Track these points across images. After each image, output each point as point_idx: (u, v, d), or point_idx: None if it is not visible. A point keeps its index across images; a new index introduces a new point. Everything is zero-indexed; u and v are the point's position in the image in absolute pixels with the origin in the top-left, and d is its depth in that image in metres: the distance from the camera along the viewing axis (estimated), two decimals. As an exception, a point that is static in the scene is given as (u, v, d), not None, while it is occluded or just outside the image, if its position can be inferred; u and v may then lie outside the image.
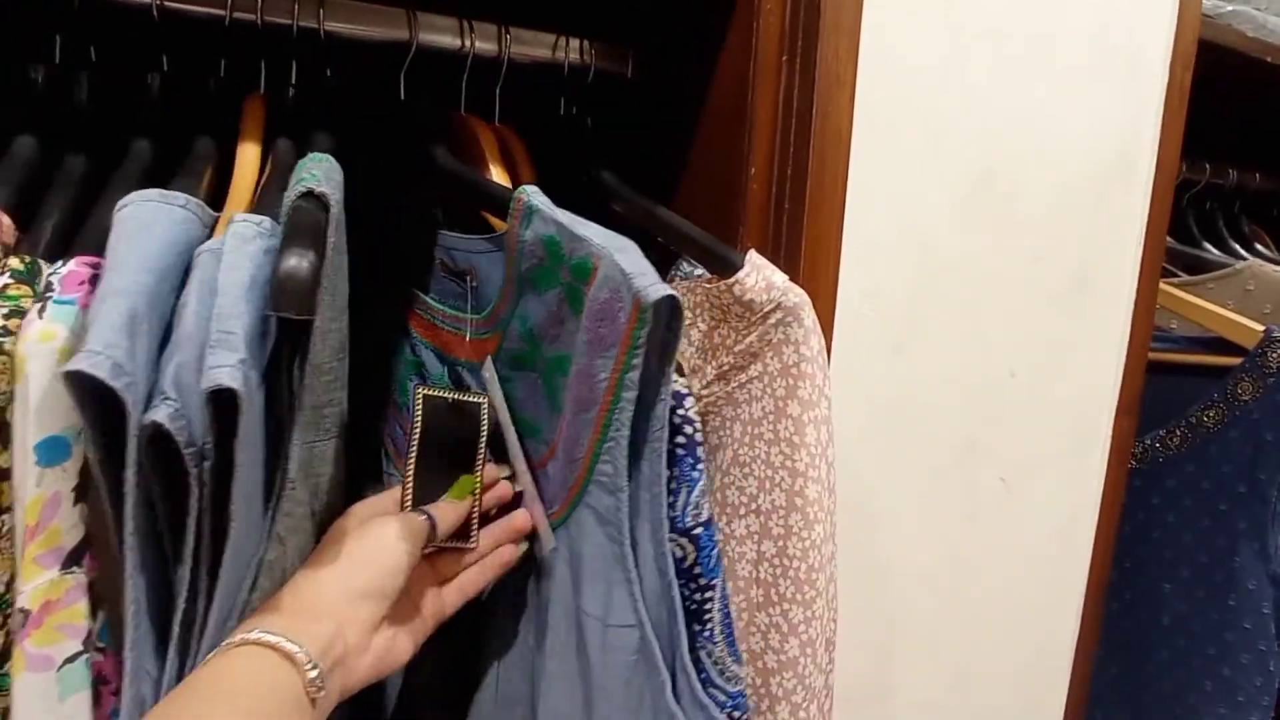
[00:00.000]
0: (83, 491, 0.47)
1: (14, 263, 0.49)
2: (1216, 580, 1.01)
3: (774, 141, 0.66)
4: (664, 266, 0.69)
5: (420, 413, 0.58)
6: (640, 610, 0.53)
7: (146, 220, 0.49)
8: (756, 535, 0.61)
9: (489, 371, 0.60)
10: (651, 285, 0.49)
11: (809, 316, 0.58)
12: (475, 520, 0.58)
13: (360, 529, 0.53)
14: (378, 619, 0.51)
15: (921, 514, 0.80)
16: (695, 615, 0.57)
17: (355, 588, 0.50)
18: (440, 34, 0.67)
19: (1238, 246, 1.19)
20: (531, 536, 0.60)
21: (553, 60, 0.71)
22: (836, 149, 0.65)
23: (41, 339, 0.45)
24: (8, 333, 0.46)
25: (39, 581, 0.46)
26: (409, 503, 0.57)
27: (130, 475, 0.44)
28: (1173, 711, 1.05)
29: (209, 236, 0.52)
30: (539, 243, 0.55)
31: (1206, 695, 1.02)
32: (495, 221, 0.62)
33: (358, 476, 0.62)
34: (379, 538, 0.52)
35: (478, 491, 0.58)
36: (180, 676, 0.46)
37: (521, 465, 0.60)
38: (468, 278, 0.62)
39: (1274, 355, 0.95)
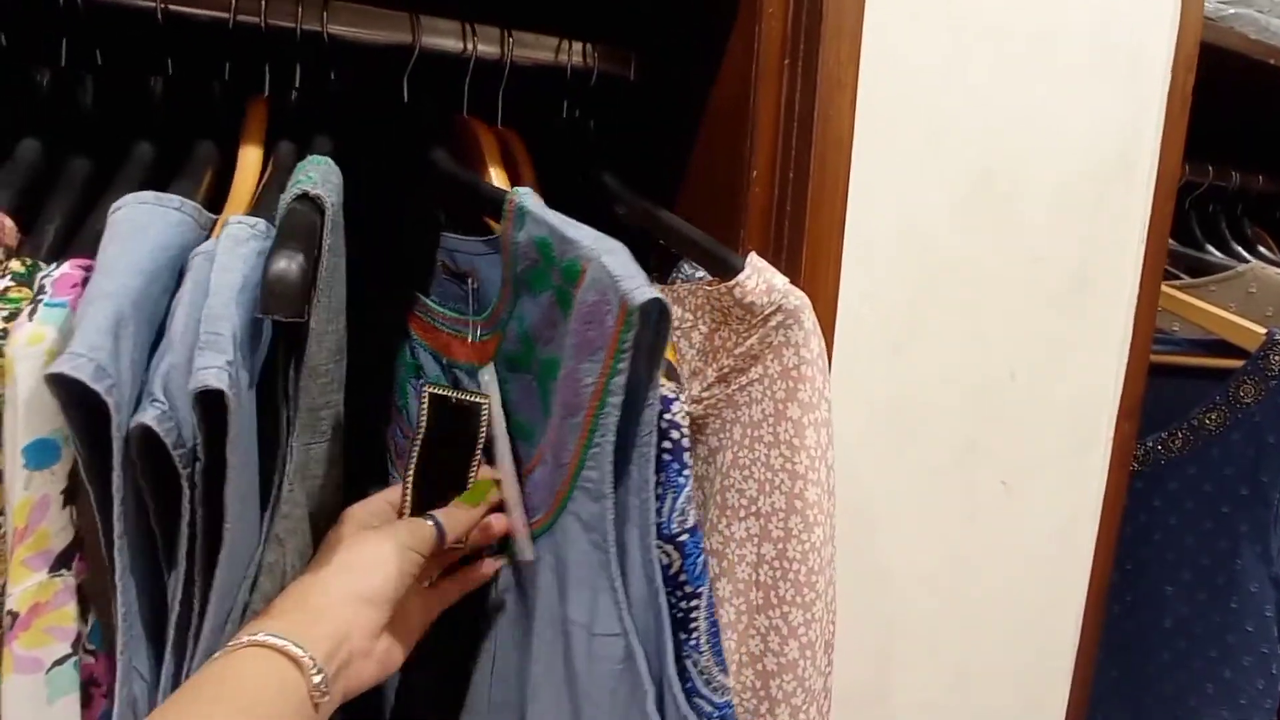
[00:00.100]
0: (72, 494, 0.47)
1: (15, 265, 0.49)
2: (1218, 583, 1.01)
3: (776, 144, 0.67)
4: (666, 269, 0.70)
5: (426, 412, 0.58)
6: (625, 619, 0.52)
7: (140, 223, 0.49)
8: (756, 538, 0.61)
9: (489, 374, 0.60)
10: (638, 288, 0.48)
11: (809, 319, 0.58)
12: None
13: (366, 535, 0.53)
14: (381, 625, 0.50)
15: (921, 515, 0.80)
16: (681, 624, 0.56)
17: (360, 593, 0.50)
18: (443, 37, 0.67)
19: (1240, 249, 1.19)
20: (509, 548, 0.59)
21: (555, 63, 0.72)
22: (838, 152, 0.65)
23: (30, 341, 0.45)
24: (5, 335, 0.46)
25: (27, 584, 0.46)
26: (408, 506, 0.56)
27: (116, 478, 0.44)
28: (1174, 714, 1.05)
29: (206, 239, 0.52)
30: (531, 244, 0.55)
31: (1208, 698, 1.02)
32: (493, 224, 0.62)
33: (361, 478, 0.62)
34: (386, 545, 0.52)
35: (491, 497, 0.58)
36: (177, 679, 0.46)
37: (510, 472, 0.60)
38: (469, 279, 0.62)
39: (1276, 358, 0.95)
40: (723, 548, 0.63)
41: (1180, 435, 1.03)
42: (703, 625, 0.57)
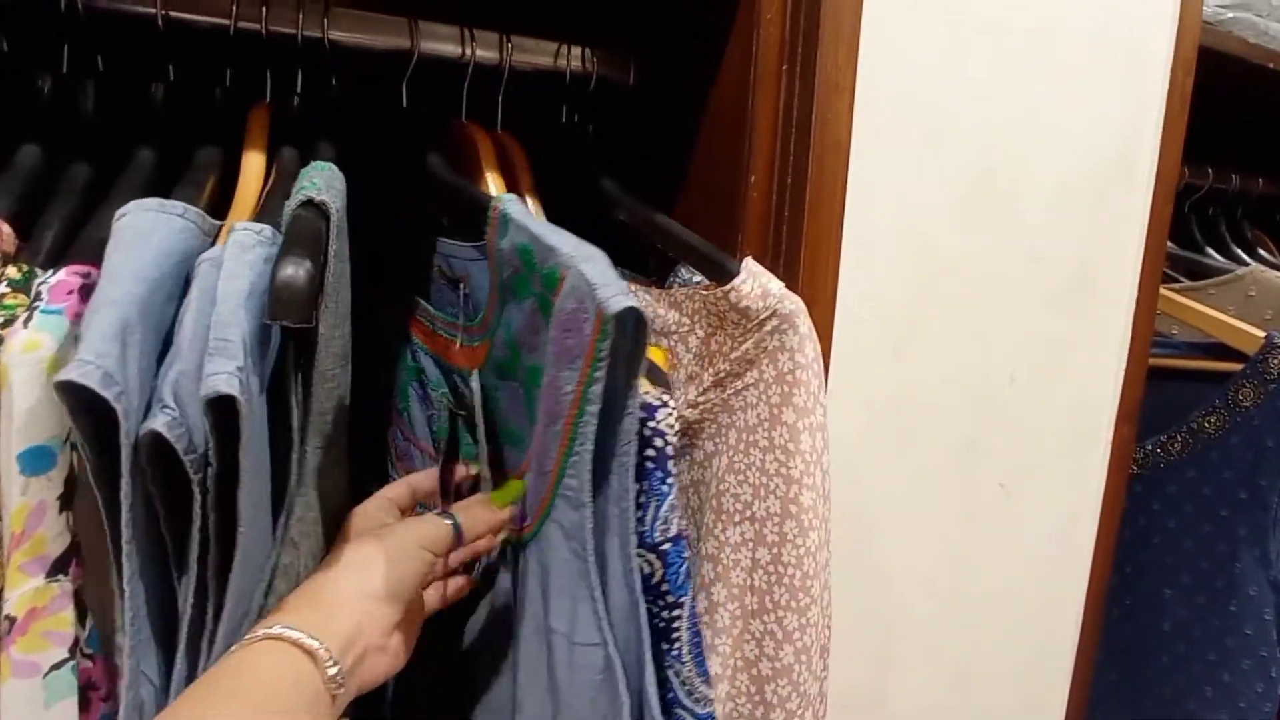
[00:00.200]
0: (68, 500, 0.47)
1: (11, 272, 0.49)
2: (1217, 586, 1.01)
3: (774, 149, 0.67)
4: (664, 272, 0.70)
5: (446, 421, 0.59)
6: (604, 629, 0.52)
7: (144, 230, 0.49)
8: (751, 542, 0.61)
9: (475, 382, 0.60)
10: (614, 296, 0.48)
11: (804, 323, 0.59)
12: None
13: (382, 532, 0.53)
14: (395, 621, 0.51)
15: (921, 516, 0.80)
16: (663, 633, 0.56)
17: (376, 590, 0.50)
18: (442, 42, 0.67)
19: (1240, 252, 1.19)
20: (516, 548, 0.59)
21: (554, 68, 0.72)
22: (835, 156, 0.65)
23: (25, 349, 0.45)
24: (1, 341, 0.46)
25: (24, 589, 0.46)
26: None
27: (125, 484, 0.44)
28: (1172, 717, 1.05)
29: (210, 245, 0.53)
30: (514, 251, 0.55)
31: (1207, 701, 1.02)
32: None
33: (363, 480, 0.62)
34: (403, 542, 0.52)
35: (517, 504, 0.58)
36: (190, 682, 0.46)
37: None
38: (462, 285, 0.63)
39: (1275, 361, 0.95)
40: (717, 552, 0.63)
41: (1179, 438, 1.03)
42: (685, 635, 0.57)
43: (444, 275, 0.65)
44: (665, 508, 0.56)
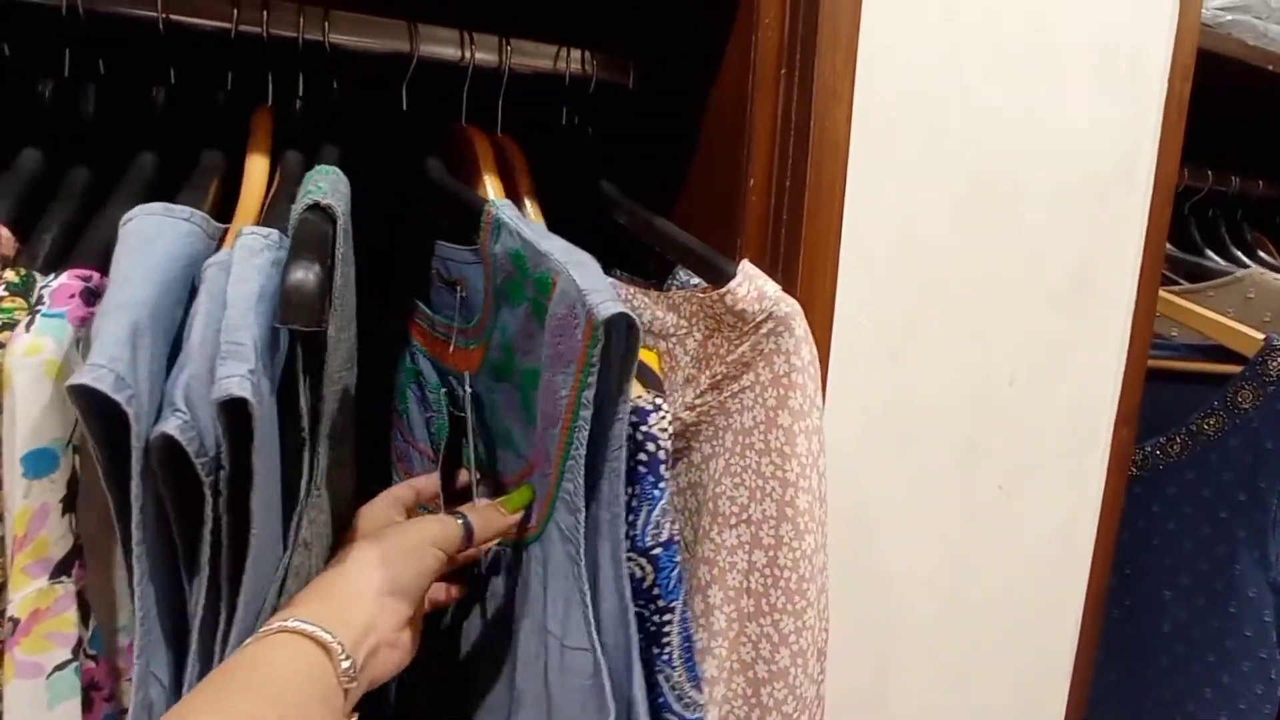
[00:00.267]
0: (70, 503, 0.48)
1: (10, 275, 0.50)
2: (1217, 588, 1.01)
3: (772, 153, 0.67)
4: (663, 275, 0.70)
5: (448, 422, 0.60)
6: (593, 634, 0.53)
7: (151, 234, 0.49)
8: (747, 545, 0.61)
9: (466, 386, 0.61)
10: (604, 303, 0.49)
11: (800, 326, 0.59)
12: None
13: (395, 529, 0.54)
14: (407, 617, 0.52)
15: (921, 517, 0.80)
16: (654, 638, 0.57)
17: (389, 586, 0.50)
18: (441, 45, 0.68)
19: (1240, 254, 1.19)
20: (521, 547, 0.59)
21: (554, 71, 0.72)
22: (834, 160, 0.66)
23: (28, 352, 0.46)
24: (1, 346, 0.47)
25: (27, 591, 0.46)
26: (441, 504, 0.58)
27: (135, 486, 0.44)
28: (1172, 718, 1.05)
29: (215, 249, 0.53)
30: (507, 256, 0.56)
31: (1206, 702, 1.02)
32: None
33: (366, 482, 0.63)
34: (416, 539, 0.53)
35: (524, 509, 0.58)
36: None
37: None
38: (458, 287, 0.63)
39: (1274, 363, 0.95)
40: (714, 555, 0.63)
41: (1179, 440, 1.03)
42: (675, 640, 0.57)
43: (441, 278, 0.65)
44: (657, 512, 0.56)
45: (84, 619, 0.48)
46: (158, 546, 0.47)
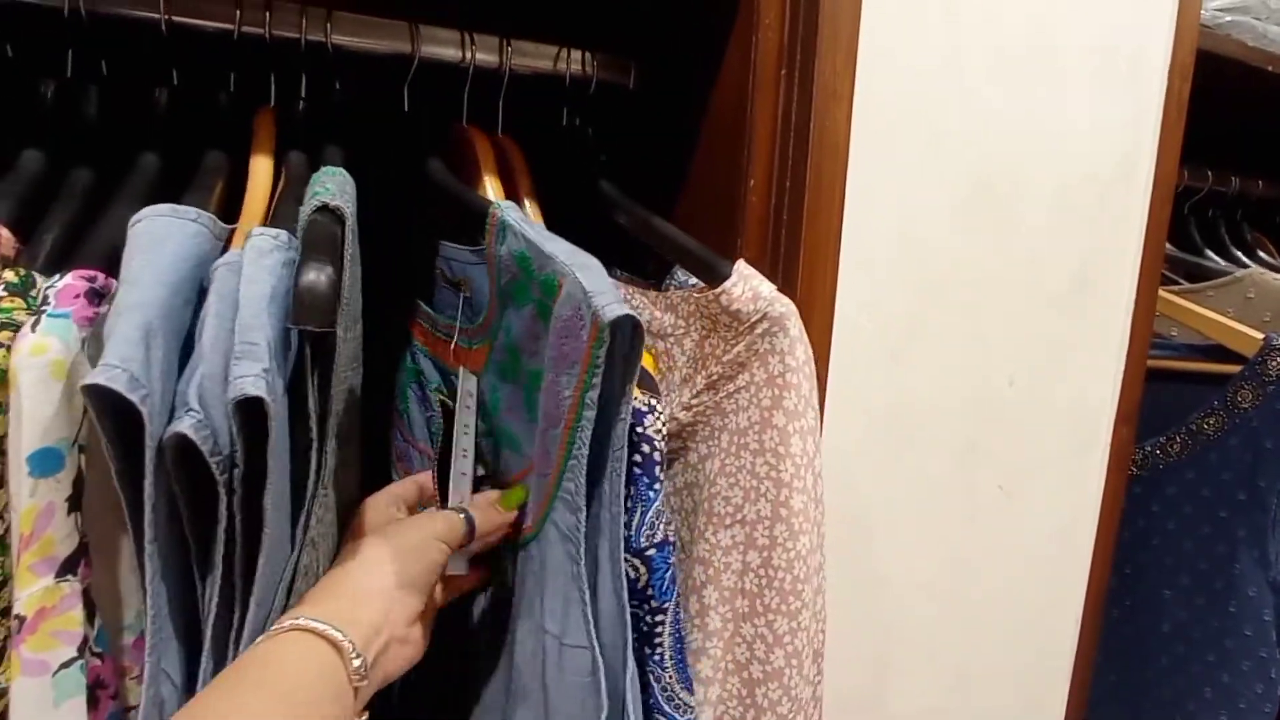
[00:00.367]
0: (76, 501, 0.48)
1: (9, 275, 0.50)
2: (1216, 587, 1.01)
3: (773, 154, 0.67)
4: (662, 275, 0.70)
5: (441, 419, 0.60)
6: (591, 632, 0.53)
7: (160, 235, 0.50)
8: (742, 545, 0.61)
9: (460, 383, 0.61)
10: (609, 305, 0.49)
11: (795, 326, 0.59)
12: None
13: (400, 525, 0.55)
14: (416, 612, 0.52)
15: (921, 518, 0.80)
16: (646, 639, 0.57)
17: (399, 581, 0.51)
18: (442, 46, 0.68)
19: (1240, 254, 1.19)
20: (514, 548, 0.60)
21: (554, 71, 0.72)
22: (834, 161, 0.66)
23: (33, 352, 0.46)
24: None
25: (33, 589, 0.47)
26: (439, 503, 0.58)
27: (148, 485, 0.45)
28: (1172, 718, 1.05)
29: (222, 249, 0.53)
30: (512, 258, 0.56)
31: (1206, 702, 1.02)
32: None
33: (366, 481, 0.63)
34: (422, 534, 0.53)
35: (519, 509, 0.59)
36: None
37: (463, 484, 0.61)
38: (461, 288, 0.63)
39: (1274, 363, 0.96)
40: (709, 555, 0.63)
41: (1178, 440, 1.04)
42: (667, 641, 0.57)
43: (445, 278, 0.65)
44: (651, 513, 0.56)
45: (89, 617, 0.49)
46: (170, 545, 0.47)
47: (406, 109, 0.69)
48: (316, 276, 0.46)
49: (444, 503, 0.59)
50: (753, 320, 0.59)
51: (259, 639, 0.46)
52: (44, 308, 0.48)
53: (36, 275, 0.51)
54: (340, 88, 0.68)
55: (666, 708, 0.58)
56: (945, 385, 0.78)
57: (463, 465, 0.60)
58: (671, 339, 0.65)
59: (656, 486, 0.56)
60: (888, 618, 0.81)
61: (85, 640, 0.49)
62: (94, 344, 0.48)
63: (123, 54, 0.63)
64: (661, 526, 0.56)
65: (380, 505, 0.58)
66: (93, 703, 0.49)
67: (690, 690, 0.59)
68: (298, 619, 0.46)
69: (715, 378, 0.62)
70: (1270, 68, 0.95)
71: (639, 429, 0.56)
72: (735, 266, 0.60)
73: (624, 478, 0.54)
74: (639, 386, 0.56)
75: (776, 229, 0.67)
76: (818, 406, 0.60)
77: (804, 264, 0.65)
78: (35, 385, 0.46)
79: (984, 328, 0.79)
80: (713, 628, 0.63)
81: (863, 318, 0.71)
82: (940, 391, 0.78)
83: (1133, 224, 0.87)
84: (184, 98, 0.65)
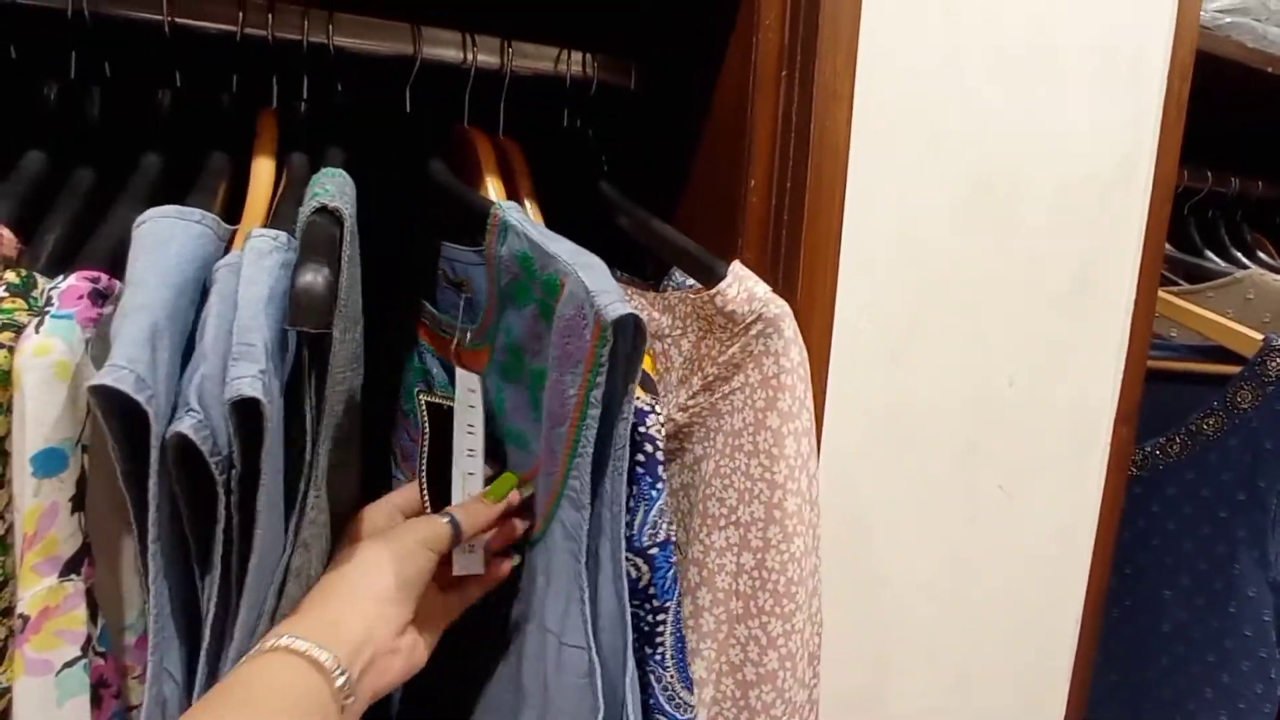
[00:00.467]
0: (79, 501, 0.48)
1: (10, 276, 0.50)
2: (1216, 587, 1.01)
3: (773, 155, 0.67)
4: (660, 276, 0.71)
5: (427, 419, 0.59)
6: (589, 632, 0.53)
7: (164, 236, 0.50)
8: (736, 547, 0.61)
9: (474, 382, 0.61)
10: (612, 304, 0.49)
11: (789, 327, 0.59)
12: (486, 536, 0.58)
13: (384, 534, 0.54)
14: (404, 623, 0.52)
15: (921, 519, 0.80)
16: (648, 638, 0.57)
17: (382, 592, 0.51)
18: (444, 48, 0.68)
19: (1240, 255, 1.19)
20: (522, 547, 0.60)
21: (555, 73, 0.72)
22: (834, 162, 0.66)
23: (37, 353, 0.46)
24: (0, 346, 0.47)
25: (37, 589, 0.47)
26: (427, 506, 0.57)
27: (153, 485, 0.45)
28: (1172, 718, 1.05)
29: (226, 250, 0.54)
30: (514, 259, 0.56)
31: (1206, 702, 1.03)
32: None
33: (368, 482, 0.63)
34: (405, 543, 0.53)
35: (513, 494, 0.58)
36: (211, 679, 0.48)
37: (472, 483, 0.60)
38: (463, 289, 0.63)
39: (1273, 364, 0.96)
40: (703, 556, 0.63)
41: (1178, 440, 1.04)
42: (669, 640, 0.57)
43: (447, 279, 0.65)
44: (654, 512, 0.56)
45: (92, 617, 0.49)
46: (172, 545, 0.47)
47: (408, 110, 0.69)
48: (313, 278, 0.46)
49: (435, 506, 0.58)
50: (747, 321, 0.59)
51: (243, 659, 0.46)
52: (47, 309, 0.48)
53: (38, 276, 0.51)
54: (342, 89, 0.68)
55: (667, 707, 0.58)
56: (945, 386, 0.78)
57: (468, 465, 0.59)
58: (669, 340, 0.65)
59: (659, 486, 0.56)
60: (888, 618, 0.81)
61: (88, 640, 0.49)
62: (99, 345, 0.48)
63: (126, 55, 0.63)
64: (664, 526, 0.56)
65: (377, 515, 0.57)
66: (96, 702, 0.50)
67: (691, 689, 0.59)
68: (280, 638, 0.46)
69: (711, 379, 0.62)
70: (1270, 69, 0.96)
71: (642, 428, 0.56)
72: (730, 268, 0.60)
73: (625, 477, 0.54)
74: (641, 387, 0.56)
75: (777, 230, 0.67)
76: (813, 408, 0.60)
77: (804, 264, 0.65)
78: (39, 386, 0.46)
79: (984, 328, 0.79)
80: (707, 629, 0.63)
81: (863, 318, 0.71)
82: (940, 392, 0.78)
83: (1133, 224, 0.87)
84: (186, 99, 0.65)
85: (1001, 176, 0.77)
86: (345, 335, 0.51)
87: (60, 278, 0.50)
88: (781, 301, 0.59)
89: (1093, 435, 0.90)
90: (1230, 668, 1.01)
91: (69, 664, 0.48)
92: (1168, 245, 0.95)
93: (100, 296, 0.50)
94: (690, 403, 0.63)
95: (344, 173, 0.55)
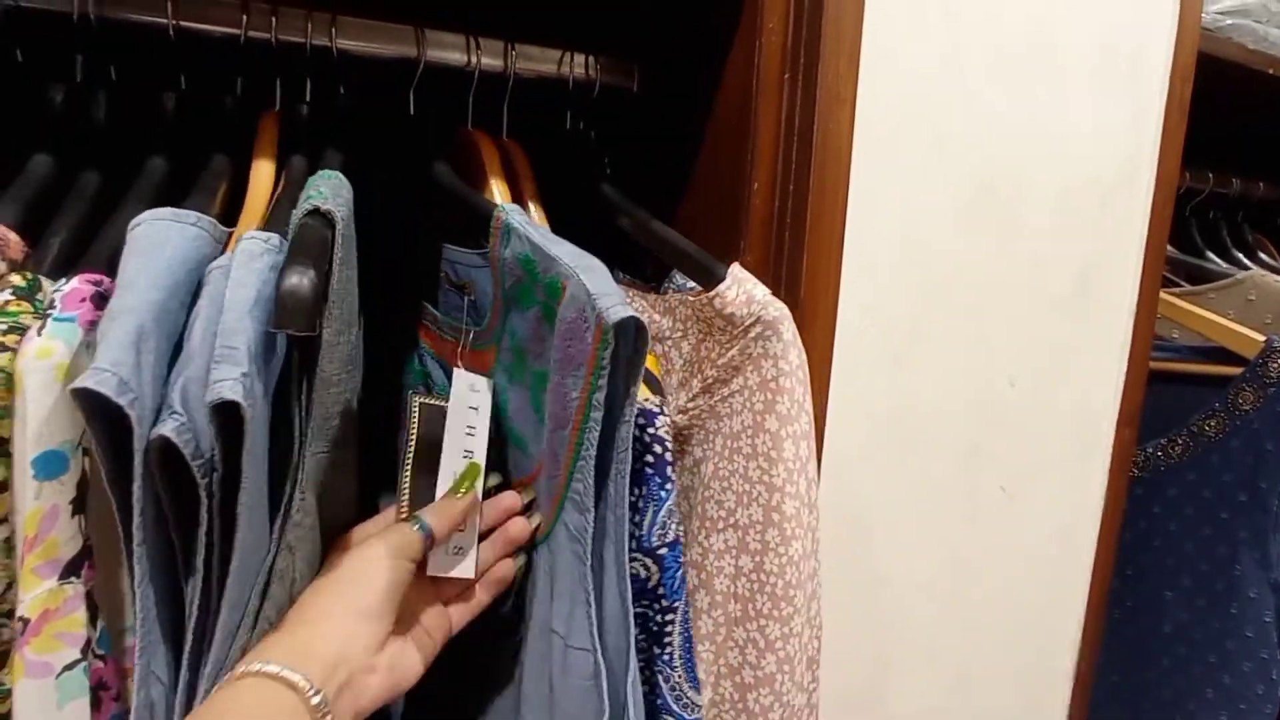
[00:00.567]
0: (80, 504, 0.48)
1: (15, 279, 0.50)
2: (1218, 588, 1.02)
3: (776, 157, 0.67)
4: (661, 278, 0.71)
5: (416, 422, 0.58)
6: (594, 634, 0.53)
7: (159, 239, 0.50)
8: (734, 550, 0.61)
9: (469, 382, 0.61)
10: (614, 306, 0.49)
11: (788, 330, 0.59)
12: (475, 537, 0.57)
13: (353, 549, 0.53)
14: (381, 638, 0.51)
15: (923, 520, 0.80)
16: (656, 638, 0.57)
17: (355, 608, 0.50)
18: (447, 50, 0.68)
19: (1241, 256, 1.19)
20: (529, 549, 0.59)
21: (558, 75, 0.72)
22: (837, 165, 0.66)
23: (39, 355, 0.46)
24: (4, 349, 0.47)
25: (38, 591, 0.47)
26: (405, 509, 0.55)
27: (137, 488, 0.45)
28: (1173, 719, 1.06)
29: (222, 253, 0.53)
30: (516, 261, 0.56)
31: (1207, 703, 1.03)
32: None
33: (372, 487, 0.63)
34: (369, 557, 0.52)
35: (479, 487, 0.56)
36: (192, 688, 0.47)
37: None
38: (466, 290, 0.63)
39: (1274, 365, 0.96)
40: (702, 559, 0.63)
41: (1180, 442, 1.04)
42: (677, 640, 0.57)
43: (450, 281, 0.65)
44: (663, 513, 0.56)
45: (92, 619, 0.49)
46: (157, 548, 0.47)
47: (412, 113, 0.69)
48: (299, 280, 0.45)
49: (412, 509, 0.56)
50: (746, 324, 0.59)
51: (217, 687, 0.45)
52: (50, 311, 0.48)
53: (43, 279, 0.51)
54: (345, 92, 0.68)
55: (675, 707, 0.58)
56: (948, 388, 0.78)
57: (462, 466, 0.58)
58: (669, 342, 0.65)
59: (668, 486, 0.56)
60: (889, 618, 0.81)
61: (88, 642, 0.49)
62: (94, 348, 0.48)
63: (131, 59, 0.63)
64: (673, 526, 0.56)
65: (368, 529, 0.56)
66: (95, 704, 0.49)
67: (699, 689, 0.59)
68: (252, 665, 0.45)
69: (710, 381, 0.62)
70: (1271, 70, 0.96)
71: (650, 429, 0.56)
72: (730, 270, 0.60)
73: (628, 479, 0.53)
74: (649, 388, 0.56)
75: (780, 232, 0.67)
76: (811, 411, 0.60)
77: (807, 267, 0.66)
78: (40, 388, 0.46)
79: (986, 330, 0.79)
80: (705, 631, 0.63)
81: (865, 320, 0.71)
82: (943, 394, 0.78)
83: (1135, 226, 0.87)
84: (191, 102, 0.65)
85: (1004, 179, 0.77)
86: (339, 338, 0.51)
87: (63, 280, 0.50)
88: (780, 304, 0.59)
89: (1095, 437, 0.90)
90: (1231, 669, 1.01)
91: (69, 667, 0.48)
92: (1169, 247, 0.95)
93: (103, 299, 0.50)
94: (690, 405, 0.63)
95: (340, 175, 0.54)
